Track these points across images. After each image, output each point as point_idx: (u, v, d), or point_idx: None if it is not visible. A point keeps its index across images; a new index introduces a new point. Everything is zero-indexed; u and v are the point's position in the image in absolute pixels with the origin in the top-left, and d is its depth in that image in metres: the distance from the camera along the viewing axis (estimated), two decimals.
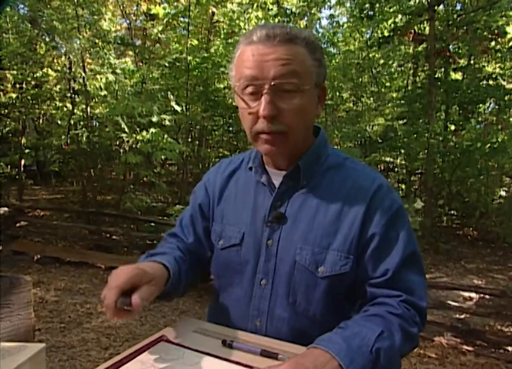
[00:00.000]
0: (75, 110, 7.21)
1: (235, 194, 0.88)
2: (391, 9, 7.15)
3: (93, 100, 6.69)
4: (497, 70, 7.94)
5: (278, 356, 0.68)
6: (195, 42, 7.24)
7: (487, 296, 3.30)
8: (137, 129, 5.41)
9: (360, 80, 8.93)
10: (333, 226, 0.76)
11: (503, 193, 7.00)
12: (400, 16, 7.24)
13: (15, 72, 6.29)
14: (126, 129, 5.25)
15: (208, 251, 0.91)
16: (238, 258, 0.83)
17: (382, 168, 7.73)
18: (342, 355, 0.60)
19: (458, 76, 7.77)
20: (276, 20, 6.78)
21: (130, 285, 0.66)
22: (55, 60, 7.46)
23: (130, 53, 7.91)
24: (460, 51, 7.61)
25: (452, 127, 7.87)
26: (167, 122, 5.52)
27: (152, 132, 5.10)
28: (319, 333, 0.75)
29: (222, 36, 8.34)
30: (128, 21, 8.79)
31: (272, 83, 0.71)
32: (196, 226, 0.93)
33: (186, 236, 0.93)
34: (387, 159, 6.57)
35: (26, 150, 7.79)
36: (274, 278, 0.79)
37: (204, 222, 0.92)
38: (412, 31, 6.88)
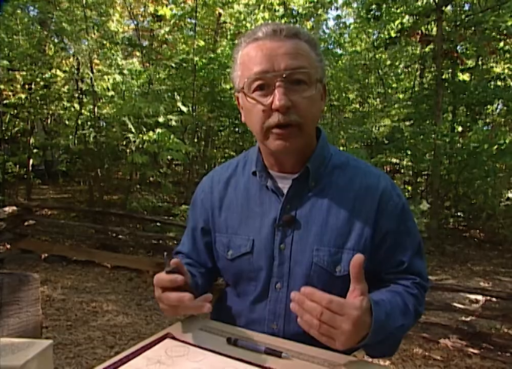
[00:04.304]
0: (83, 111, 7.28)
1: (237, 201, 0.86)
2: (398, 10, 7.12)
3: (101, 101, 6.75)
4: (506, 71, 7.86)
5: (282, 354, 0.69)
6: (201, 43, 7.28)
7: (494, 299, 3.26)
8: (144, 129, 5.45)
9: (367, 81, 8.91)
10: (346, 226, 0.78)
11: (510, 195, 6.93)
12: (407, 16, 7.21)
13: (24, 73, 6.37)
14: (133, 130, 5.29)
15: (209, 263, 0.92)
16: (250, 266, 0.82)
17: (388, 169, 7.69)
18: (374, 326, 0.66)
19: (466, 77, 7.72)
20: (283, 21, 6.79)
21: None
22: (63, 61, 7.53)
23: (137, 53, 7.96)
24: (468, 52, 7.56)
25: (459, 129, 7.82)
26: (174, 123, 5.55)
27: (158, 132, 5.13)
28: None
29: (229, 37, 8.36)
30: (135, 22, 8.86)
31: (284, 75, 0.71)
32: (197, 240, 0.92)
33: (189, 251, 0.94)
34: (394, 160, 6.54)
35: (35, 150, 7.88)
36: (289, 281, 0.79)
37: (205, 237, 0.91)
38: (420, 31, 6.84)
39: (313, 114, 0.76)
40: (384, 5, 6.67)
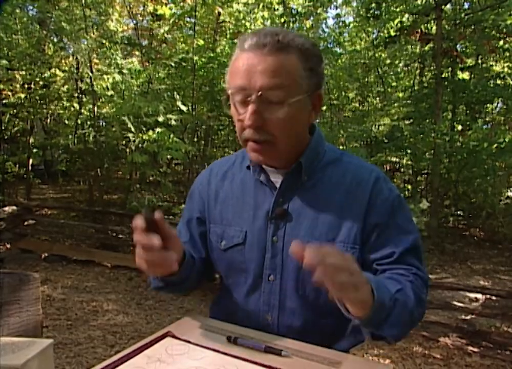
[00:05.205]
0: (82, 110, 7.27)
1: (232, 194, 0.88)
2: (398, 9, 7.11)
3: (100, 100, 6.74)
4: (506, 69, 7.86)
5: (282, 352, 0.69)
6: (201, 42, 7.26)
7: (493, 298, 3.28)
8: (144, 129, 5.45)
9: (366, 80, 8.90)
10: (337, 220, 0.79)
11: (510, 193, 6.93)
12: (406, 15, 7.20)
13: (23, 72, 6.37)
14: (133, 129, 5.29)
15: (202, 253, 0.92)
16: (242, 257, 0.84)
17: (388, 168, 7.69)
18: (374, 285, 0.64)
19: (465, 75, 7.71)
20: (282, 20, 6.78)
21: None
22: (63, 61, 7.53)
23: (137, 53, 7.95)
24: (468, 50, 7.55)
25: (459, 127, 7.81)
26: (173, 122, 5.55)
27: (158, 132, 5.13)
28: (329, 322, 0.81)
29: (228, 36, 8.35)
30: (134, 22, 8.84)
31: (258, 94, 0.71)
32: (192, 230, 0.93)
33: (184, 242, 0.93)
34: (393, 159, 6.53)
35: (34, 150, 7.88)
36: (282, 273, 0.80)
37: (200, 227, 0.92)
38: (419, 30, 6.84)
39: (289, 131, 0.76)
40: (384, 4, 6.66)
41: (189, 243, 0.94)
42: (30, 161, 7.44)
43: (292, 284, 0.80)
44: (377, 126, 6.33)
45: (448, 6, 6.98)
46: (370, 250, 0.80)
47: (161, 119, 5.33)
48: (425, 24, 7.13)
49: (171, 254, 0.68)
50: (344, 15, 9.78)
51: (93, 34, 6.41)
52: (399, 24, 7.19)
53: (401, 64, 8.94)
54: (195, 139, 7.90)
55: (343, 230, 0.79)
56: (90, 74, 6.16)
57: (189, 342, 0.73)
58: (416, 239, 0.80)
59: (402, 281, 0.74)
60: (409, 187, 7.86)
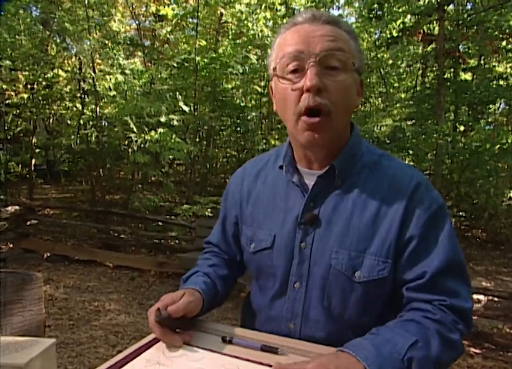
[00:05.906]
0: (85, 111, 7.29)
1: (264, 195, 0.85)
2: (400, 9, 7.11)
3: (103, 100, 6.76)
4: (508, 70, 7.85)
5: (278, 350, 0.69)
6: (203, 42, 7.27)
7: (496, 299, 3.26)
8: (146, 129, 5.46)
9: (369, 80, 8.89)
10: (370, 229, 0.73)
11: None
12: (409, 16, 7.21)
13: (26, 73, 6.39)
14: (135, 129, 5.30)
15: (237, 255, 0.93)
16: (270, 262, 0.81)
17: None
18: (370, 361, 0.58)
19: (468, 76, 7.70)
20: (284, 20, 6.78)
21: (170, 299, 0.74)
22: (66, 61, 7.55)
23: (139, 53, 7.98)
24: (470, 51, 7.54)
25: (461, 128, 7.80)
26: (175, 122, 5.56)
27: (160, 132, 5.14)
28: (354, 337, 0.73)
29: (230, 37, 8.37)
30: (137, 22, 8.86)
31: (318, 57, 0.69)
32: (227, 230, 0.94)
33: (218, 241, 0.96)
34: None
35: (37, 150, 7.90)
36: (308, 281, 0.77)
37: (235, 229, 0.92)
38: (422, 31, 6.84)
39: (345, 102, 0.73)
40: (386, 5, 6.66)
41: (223, 243, 0.95)
42: (33, 161, 7.46)
43: (317, 294, 0.76)
44: (379, 127, 6.33)
45: (451, 6, 6.97)
46: (403, 267, 0.72)
47: (163, 119, 5.35)
48: (428, 25, 7.13)
49: (182, 337, 0.73)
50: (347, 16, 9.79)
51: (96, 34, 6.43)
52: (401, 25, 7.19)
53: (403, 65, 8.93)
54: (197, 139, 7.91)
55: (375, 242, 0.72)
56: (93, 74, 6.19)
57: (185, 343, 0.73)
58: (455, 257, 0.71)
59: (423, 324, 0.67)
60: None
